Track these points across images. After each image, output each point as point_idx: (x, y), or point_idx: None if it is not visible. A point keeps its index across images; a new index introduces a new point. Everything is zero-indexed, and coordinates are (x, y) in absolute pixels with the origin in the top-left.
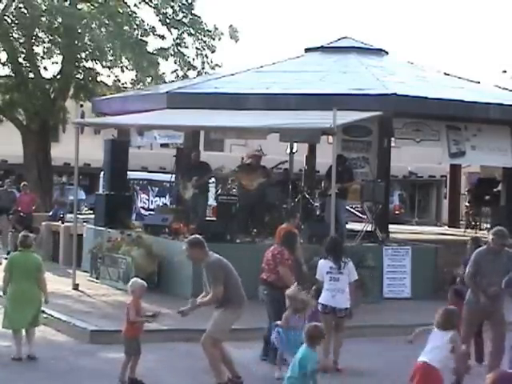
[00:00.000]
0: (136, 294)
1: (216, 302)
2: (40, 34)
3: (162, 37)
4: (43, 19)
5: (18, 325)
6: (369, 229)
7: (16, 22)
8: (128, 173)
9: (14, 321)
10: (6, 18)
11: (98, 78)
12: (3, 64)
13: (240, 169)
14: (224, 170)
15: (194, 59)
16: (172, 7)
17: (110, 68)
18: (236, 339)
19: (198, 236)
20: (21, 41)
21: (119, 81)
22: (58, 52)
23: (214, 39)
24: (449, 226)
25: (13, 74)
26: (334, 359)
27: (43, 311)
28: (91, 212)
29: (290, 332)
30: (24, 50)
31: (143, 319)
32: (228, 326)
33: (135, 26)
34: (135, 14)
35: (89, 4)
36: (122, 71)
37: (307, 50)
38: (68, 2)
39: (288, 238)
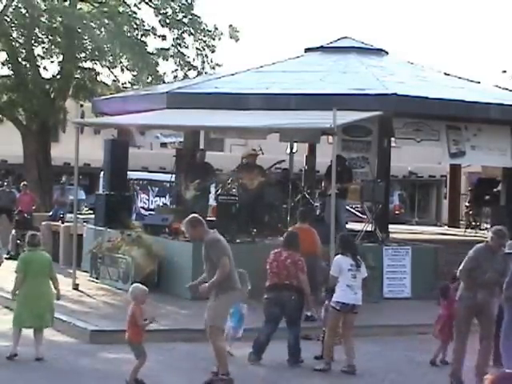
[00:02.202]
0: (138, 299)
1: (225, 275)
2: (40, 34)
3: (162, 37)
4: (43, 19)
5: (29, 323)
6: (369, 229)
7: (16, 22)
8: (128, 173)
9: (26, 320)
10: (5, 18)
11: (98, 78)
12: (3, 64)
13: (239, 169)
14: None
15: (194, 59)
16: (172, 7)
17: (109, 68)
18: (237, 339)
19: (195, 215)
20: (21, 41)
21: (118, 81)
22: (58, 52)
23: (214, 39)
24: (449, 226)
25: (13, 74)
26: (350, 363)
27: None
28: (91, 212)
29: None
30: (24, 50)
31: (147, 323)
32: (227, 310)
33: (135, 26)
34: (135, 14)
35: (89, 4)
36: (122, 71)
37: (307, 49)
38: (68, 2)
39: (293, 239)
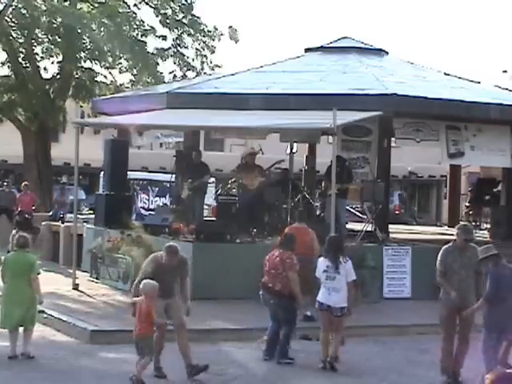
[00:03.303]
0: (149, 295)
1: None
2: (40, 34)
3: (162, 37)
4: (43, 19)
5: (8, 324)
6: (369, 229)
7: (16, 22)
8: (128, 173)
9: (5, 320)
10: (5, 18)
11: (98, 78)
12: (3, 64)
13: (239, 169)
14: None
15: (193, 59)
16: (171, 7)
17: (108, 68)
18: (237, 339)
19: (173, 243)
20: (21, 41)
21: (117, 81)
22: (58, 52)
23: (213, 40)
24: (449, 226)
25: (13, 74)
26: (334, 354)
27: (43, 311)
28: (91, 212)
29: None
30: (24, 50)
31: (161, 321)
32: None
33: (135, 27)
34: (135, 14)
35: (89, 4)
36: (121, 72)
37: (307, 50)
38: (68, 2)
39: (289, 240)
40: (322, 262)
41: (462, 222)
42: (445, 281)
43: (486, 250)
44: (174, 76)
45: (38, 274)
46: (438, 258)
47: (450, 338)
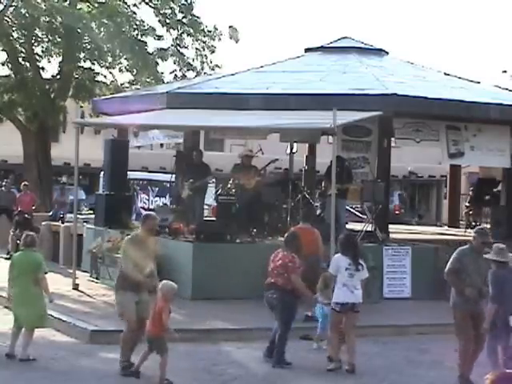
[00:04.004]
0: (166, 296)
1: None
2: (40, 34)
3: (161, 37)
4: (43, 19)
5: (20, 323)
6: (369, 229)
7: (16, 22)
8: (128, 173)
9: (17, 320)
10: (5, 18)
11: (98, 79)
12: (3, 64)
13: (235, 169)
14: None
15: (193, 60)
16: (171, 8)
17: (108, 68)
18: (237, 339)
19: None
20: (21, 41)
21: (117, 81)
22: (58, 52)
23: (213, 40)
24: (449, 226)
25: (13, 74)
26: (351, 361)
27: None
28: (91, 212)
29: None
30: (24, 50)
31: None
32: None
33: (135, 26)
34: (135, 14)
35: (89, 4)
36: (121, 71)
37: (307, 50)
38: (68, 2)
39: (291, 239)
40: (343, 260)
41: (479, 226)
42: (456, 278)
43: (499, 252)
44: (175, 76)
45: (46, 273)
46: (453, 256)
47: (470, 342)
